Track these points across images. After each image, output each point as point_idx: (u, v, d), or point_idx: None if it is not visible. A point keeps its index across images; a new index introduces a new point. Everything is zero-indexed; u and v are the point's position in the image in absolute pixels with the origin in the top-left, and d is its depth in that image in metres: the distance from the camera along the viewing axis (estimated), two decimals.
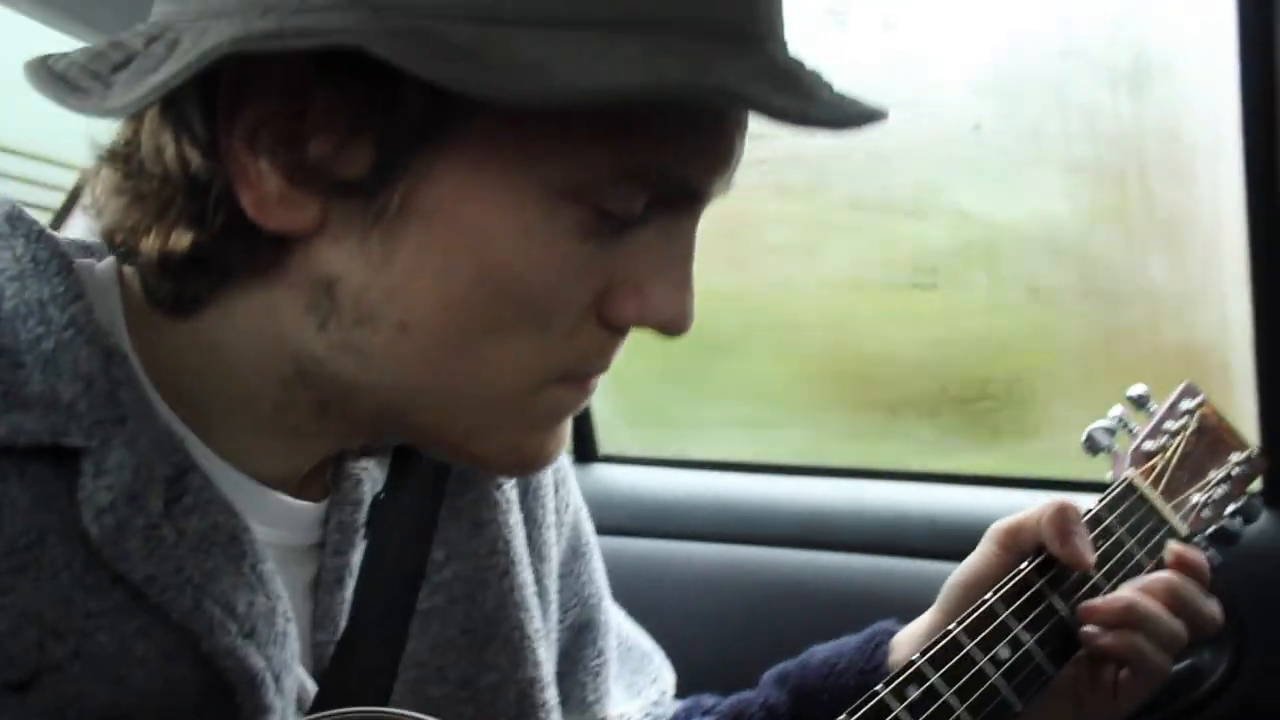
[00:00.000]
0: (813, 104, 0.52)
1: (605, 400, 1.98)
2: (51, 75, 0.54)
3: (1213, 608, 0.81)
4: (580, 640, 0.88)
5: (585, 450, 1.97)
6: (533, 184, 0.53)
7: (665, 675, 0.97)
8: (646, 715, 0.91)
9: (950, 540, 1.55)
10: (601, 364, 0.61)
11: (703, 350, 1.94)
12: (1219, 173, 1.46)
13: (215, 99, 0.52)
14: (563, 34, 0.49)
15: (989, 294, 1.70)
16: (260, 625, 0.58)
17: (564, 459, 0.89)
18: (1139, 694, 0.79)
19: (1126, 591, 0.81)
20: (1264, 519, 1.44)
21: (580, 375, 0.61)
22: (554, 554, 0.85)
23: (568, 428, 0.64)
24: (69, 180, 1.58)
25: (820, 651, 0.90)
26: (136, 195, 0.56)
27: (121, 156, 0.57)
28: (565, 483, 0.88)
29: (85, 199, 0.61)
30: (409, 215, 0.53)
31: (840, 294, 1.80)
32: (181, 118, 0.53)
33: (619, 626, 0.95)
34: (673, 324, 0.59)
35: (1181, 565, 0.82)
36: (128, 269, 0.61)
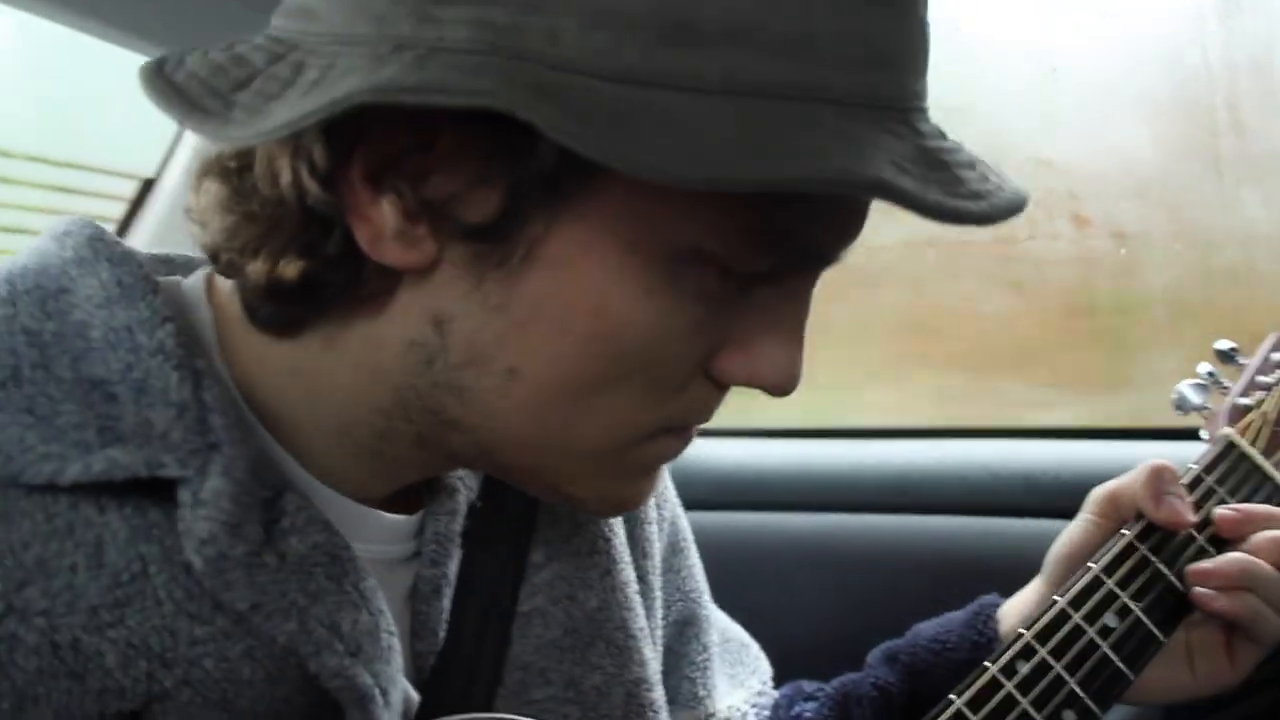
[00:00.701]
0: (962, 195, 0.50)
1: None
2: (170, 88, 0.53)
3: None
4: (684, 635, 0.89)
5: None
6: (660, 244, 0.53)
7: (763, 665, 0.97)
8: (753, 706, 0.91)
9: (1048, 497, 1.53)
10: (704, 417, 0.61)
11: None
12: None
13: (337, 129, 0.51)
14: (707, 101, 0.47)
15: (1073, 243, 1.66)
16: (366, 643, 0.59)
17: None
18: (1254, 656, 0.79)
19: (1236, 553, 0.79)
20: None
21: (677, 425, 0.60)
22: (656, 550, 0.85)
23: (658, 476, 0.65)
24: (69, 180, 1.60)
25: (927, 628, 0.90)
26: (246, 215, 0.56)
27: (233, 172, 0.57)
28: (663, 478, 0.89)
29: (189, 205, 0.61)
30: (530, 264, 0.53)
31: (918, 250, 1.77)
32: (301, 146, 0.53)
33: (718, 618, 0.95)
34: (779, 386, 0.59)
35: None
36: (221, 282, 0.62)
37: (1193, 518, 0.80)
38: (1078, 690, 0.74)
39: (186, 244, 0.64)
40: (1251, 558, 0.78)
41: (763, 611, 1.63)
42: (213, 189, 0.58)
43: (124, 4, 1.16)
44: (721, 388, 0.60)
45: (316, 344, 0.59)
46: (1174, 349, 1.69)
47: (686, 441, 0.62)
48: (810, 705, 0.91)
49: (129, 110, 1.58)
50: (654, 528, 0.85)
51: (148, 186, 1.57)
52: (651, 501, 0.86)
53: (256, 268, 0.56)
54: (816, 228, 0.55)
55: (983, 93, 1.60)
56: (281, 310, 0.58)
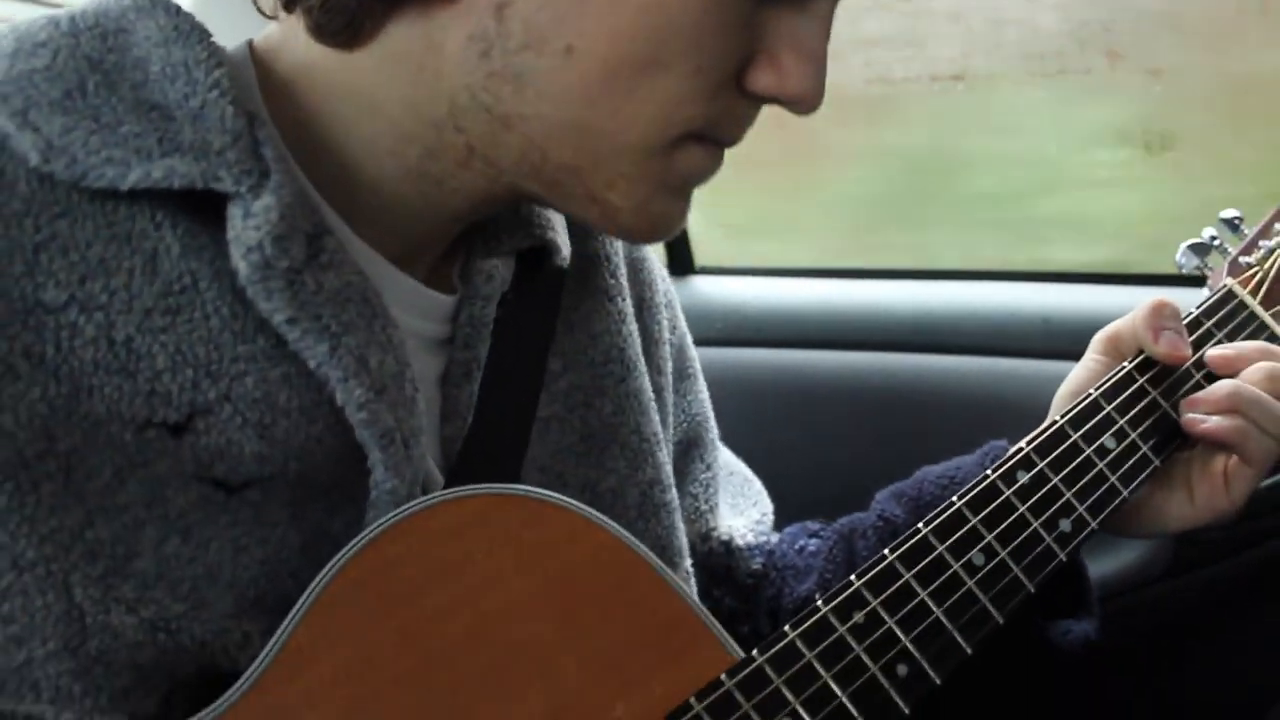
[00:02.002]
0: None
1: (701, 212, 1.99)
2: None
3: None
4: (689, 455, 0.94)
5: (681, 262, 2.00)
6: None
7: (765, 500, 1.02)
8: (750, 532, 0.97)
9: (1064, 339, 1.56)
10: (733, 132, 0.67)
11: (799, 155, 1.94)
12: None
13: None
14: None
15: (1108, 78, 1.66)
16: (390, 385, 0.64)
17: (669, 282, 0.94)
18: (1249, 481, 0.82)
19: (1226, 380, 0.83)
20: None
21: (710, 136, 0.66)
22: (668, 370, 0.91)
23: (689, 201, 0.70)
24: None
25: (934, 469, 0.95)
26: None
27: None
28: (673, 305, 0.95)
29: None
30: None
31: (945, 88, 1.78)
32: None
33: (722, 452, 1.00)
34: (804, 98, 0.65)
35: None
36: (264, 44, 0.68)
37: (1188, 352, 0.85)
38: (1074, 501, 0.79)
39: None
40: (1240, 383, 0.82)
41: (781, 446, 1.70)
42: None
43: None
44: (751, 103, 0.66)
45: (379, 58, 0.63)
46: (1205, 179, 1.69)
47: (715, 162, 0.68)
48: (814, 541, 0.97)
49: None
50: (666, 348, 0.91)
51: None
52: (664, 323, 0.91)
53: None
54: None
55: None
56: (359, 3, 0.61)
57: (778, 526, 1.02)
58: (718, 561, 0.94)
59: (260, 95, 0.66)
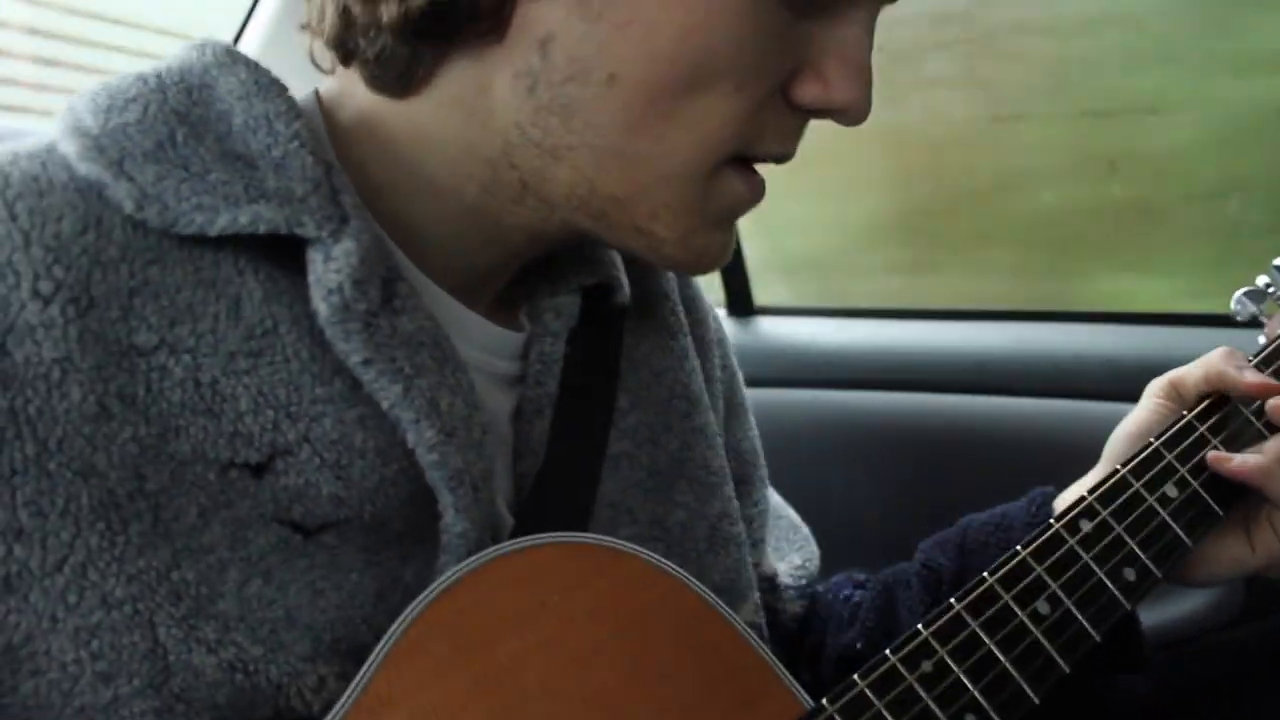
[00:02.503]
0: None
1: (758, 249, 2.02)
2: None
3: None
4: (737, 491, 0.95)
5: (741, 303, 2.02)
6: None
7: (810, 546, 1.03)
8: (792, 575, 0.97)
9: (1126, 380, 1.56)
10: (782, 146, 0.69)
11: (859, 192, 1.96)
12: None
13: None
14: None
15: (1171, 119, 1.66)
16: (460, 428, 0.66)
17: (720, 320, 0.96)
18: None
19: None
20: None
21: (759, 154, 0.68)
22: (720, 406, 0.93)
23: (732, 233, 0.72)
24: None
25: (979, 517, 0.94)
26: None
27: None
28: (724, 344, 0.97)
29: (304, 17, 0.71)
30: None
31: (1006, 126, 1.79)
32: None
33: (771, 495, 1.02)
34: (851, 108, 0.67)
35: None
36: (329, 95, 0.71)
37: (1275, 385, 0.85)
38: (1138, 550, 0.79)
39: None
40: None
41: (839, 486, 1.71)
42: None
43: None
44: (798, 116, 0.68)
45: (434, 101, 0.67)
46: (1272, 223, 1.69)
47: (756, 192, 0.70)
48: (859, 592, 0.97)
49: None
50: (719, 385, 0.93)
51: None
52: (716, 361, 0.93)
53: (390, 8, 0.63)
54: None
55: None
56: (410, 54, 0.65)
57: (835, 565, 1.02)
58: (762, 598, 0.95)
59: (332, 147, 0.69)
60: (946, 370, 1.76)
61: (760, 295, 2.03)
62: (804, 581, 0.98)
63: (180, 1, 1.66)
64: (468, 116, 0.66)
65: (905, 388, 1.78)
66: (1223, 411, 0.86)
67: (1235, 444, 0.85)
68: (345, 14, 0.66)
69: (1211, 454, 0.83)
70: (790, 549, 1.00)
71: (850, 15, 0.66)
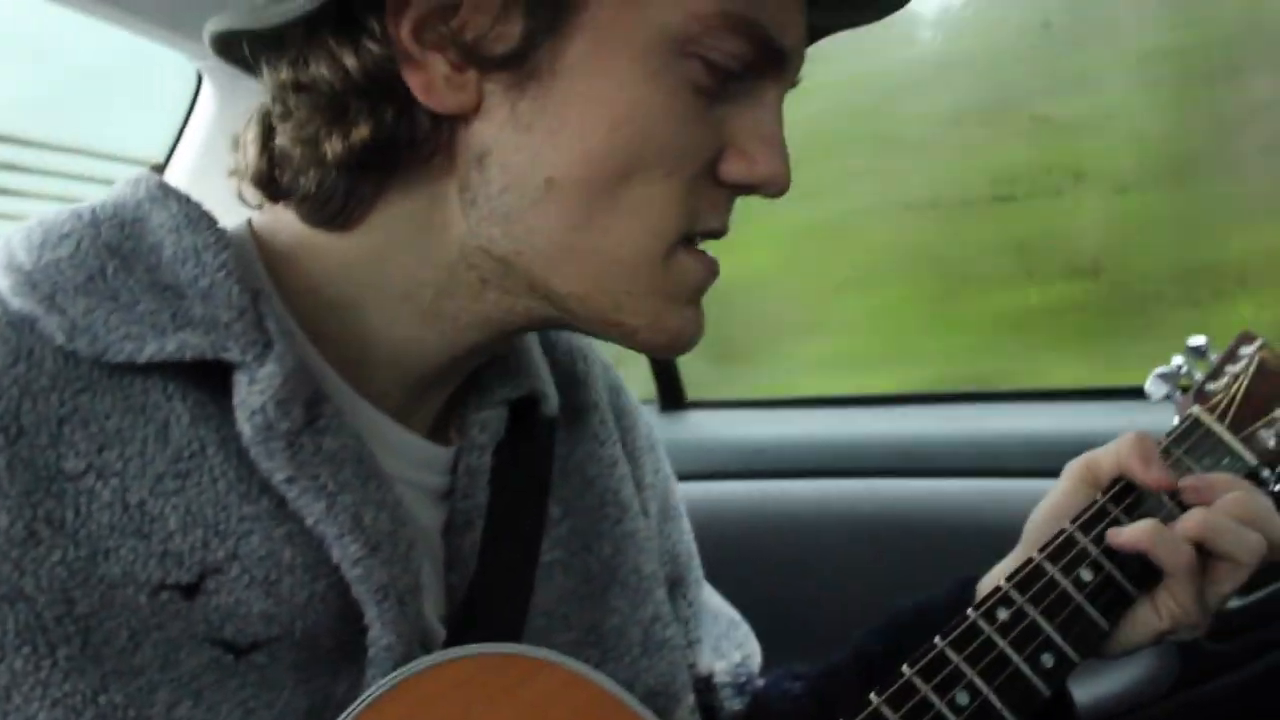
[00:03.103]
0: None
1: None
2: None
3: None
4: (672, 593, 0.96)
5: (673, 397, 2.04)
6: (654, 36, 0.65)
7: (750, 643, 1.03)
8: (730, 674, 0.98)
9: (1050, 458, 1.59)
10: (715, 224, 0.72)
11: (786, 284, 2.00)
12: None
13: (384, 6, 0.65)
14: None
15: (1074, 199, 1.72)
16: (384, 542, 0.66)
17: (653, 425, 0.98)
18: (1219, 600, 0.84)
19: (1198, 510, 0.86)
20: None
21: (701, 232, 0.71)
22: (653, 511, 0.94)
23: (701, 311, 0.74)
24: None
25: (907, 604, 0.96)
26: (313, 107, 0.67)
27: (289, 87, 0.68)
28: (655, 449, 0.98)
29: (233, 165, 0.74)
30: (554, 77, 0.65)
31: (920, 214, 1.84)
32: (357, 23, 0.65)
33: (709, 595, 1.02)
34: (773, 181, 0.71)
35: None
36: (261, 225, 0.73)
37: (1175, 481, 0.88)
38: (1055, 636, 0.81)
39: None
40: (1209, 511, 0.85)
41: (776, 575, 1.72)
42: (267, 122, 0.71)
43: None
44: (728, 192, 0.71)
45: (378, 222, 0.70)
46: (1183, 299, 1.74)
47: (711, 269, 0.73)
48: (797, 684, 0.98)
49: (137, 96, 1.67)
50: (650, 492, 0.94)
51: (156, 173, 1.64)
52: (648, 467, 0.95)
53: (333, 145, 0.66)
54: (775, 22, 0.68)
55: (974, 47, 1.65)
56: (352, 187, 0.68)
57: (776, 656, 1.03)
58: (698, 699, 0.95)
59: (264, 269, 0.71)
60: (875, 455, 1.79)
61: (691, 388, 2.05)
62: (744, 679, 0.99)
63: (113, 124, 1.68)
64: (421, 229, 0.69)
65: (836, 474, 1.81)
66: (1136, 493, 0.89)
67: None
68: (279, 156, 0.69)
69: (1160, 547, 0.85)
70: (730, 646, 1.01)
71: (761, 97, 0.70)
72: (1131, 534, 0.84)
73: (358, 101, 0.66)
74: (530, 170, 0.66)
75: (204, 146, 1.60)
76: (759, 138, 0.70)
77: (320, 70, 0.66)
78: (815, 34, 0.77)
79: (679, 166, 0.68)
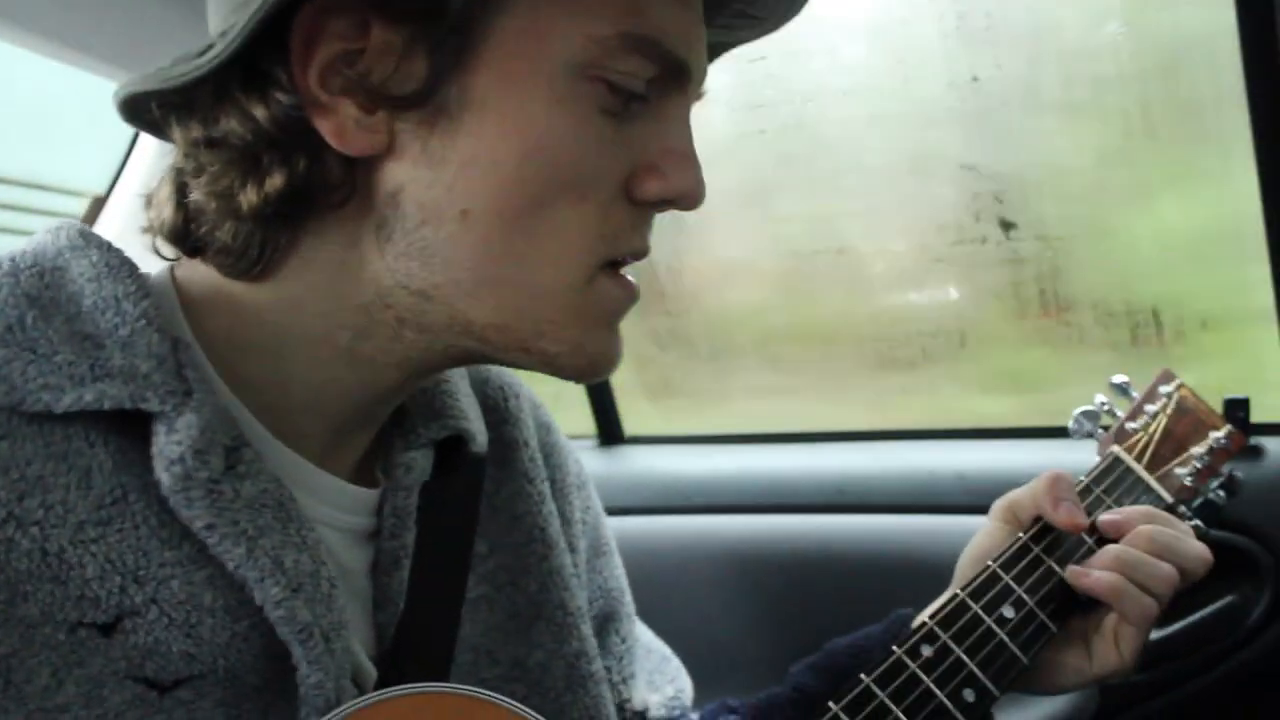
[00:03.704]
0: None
1: (626, 379, 2.07)
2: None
3: (1198, 549, 0.92)
4: (605, 629, 0.99)
5: (611, 433, 2.07)
6: (556, 63, 0.67)
7: (682, 678, 1.06)
8: (664, 708, 1.01)
9: (980, 494, 1.64)
10: (636, 244, 0.73)
11: (721, 324, 2.03)
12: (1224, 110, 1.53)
13: (286, 50, 0.66)
14: None
15: (1000, 247, 1.77)
16: (306, 583, 0.68)
17: (591, 460, 1.00)
18: (1135, 638, 0.90)
19: (1113, 545, 0.91)
20: None
21: (621, 254, 0.72)
22: (582, 548, 0.97)
23: (619, 335, 0.76)
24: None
25: (842, 641, 1.00)
26: (226, 162, 0.68)
27: (201, 144, 0.69)
28: (585, 487, 1.01)
29: (146, 220, 0.75)
30: (463, 111, 0.67)
31: (853, 259, 1.88)
32: (264, 75, 0.67)
33: (641, 631, 1.05)
34: (688, 196, 0.73)
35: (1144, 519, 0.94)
36: (181, 273, 0.74)
37: (1085, 520, 0.92)
38: (976, 671, 0.84)
39: (137, 258, 0.75)
40: (1124, 546, 0.91)
41: (707, 611, 1.74)
42: (179, 179, 0.72)
43: (78, 25, 1.25)
44: (644, 210, 0.73)
45: (295, 267, 0.71)
46: (1102, 346, 1.80)
47: (630, 293, 0.74)
48: (733, 716, 1.01)
49: (80, 128, 1.67)
50: (579, 528, 0.97)
51: (99, 205, 1.66)
52: (577, 504, 0.97)
53: (247, 196, 0.68)
54: (673, 37, 0.70)
55: (905, 101, 1.70)
56: (269, 236, 0.69)
57: (712, 690, 1.06)
58: None
59: (184, 318, 0.72)
60: (808, 491, 1.83)
61: (629, 424, 2.08)
62: (677, 713, 1.01)
63: (50, 154, 1.68)
64: (335, 274, 0.70)
65: (771, 510, 1.84)
66: (1055, 532, 0.93)
67: (1068, 560, 0.93)
68: (194, 211, 0.71)
69: (1071, 569, 0.91)
70: (663, 680, 1.03)
71: (669, 113, 0.72)
72: (1096, 581, 0.89)
73: (270, 152, 0.67)
74: (446, 204, 0.67)
75: (146, 178, 1.60)
76: (670, 152, 0.72)
77: (231, 124, 0.67)
78: (716, 50, 0.81)
79: (592, 190, 0.69)
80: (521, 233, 0.68)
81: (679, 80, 0.72)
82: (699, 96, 0.76)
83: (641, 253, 0.74)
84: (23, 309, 0.66)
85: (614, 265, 0.73)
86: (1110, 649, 0.91)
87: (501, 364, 0.76)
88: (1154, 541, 0.91)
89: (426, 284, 0.69)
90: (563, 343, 0.71)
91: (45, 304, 0.67)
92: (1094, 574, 0.90)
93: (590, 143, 0.68)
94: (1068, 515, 0.92)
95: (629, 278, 0.74)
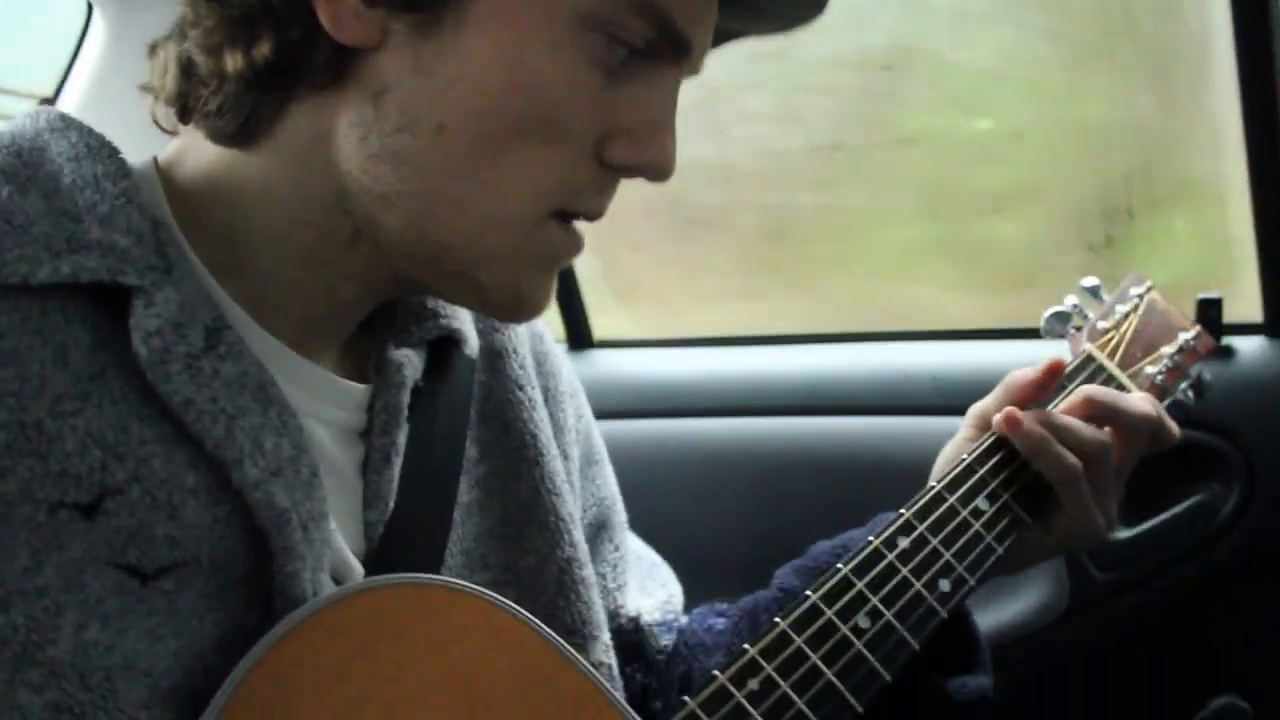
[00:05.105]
0: None
1: (596, 283, 2.06)
2: None
3: (1139, 407, 0.95)
4: (599, 537, 0.99)
5: (580, 337, 2.06)
6: (565, 7, 0.67)
7: (673, 583, 1.07)
8: (658, 611, 1.01)
9: (954, 395, 1.64)
10: (596, 203, 0.73)
11: (689, 224, 2.01)
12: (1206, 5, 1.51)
13: None
14: None
15: (974, 145, 1.76)
16: (285, 468, 0.67)
17: (574, 372, 0.99)
18: (1074, 502, 0.92)
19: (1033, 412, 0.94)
20: (1267, 350, 1.55)
21: (576, 209, 0.72)
22: (575, 456, 0.96)
23: (554, 282, 0.76)
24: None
25: (825, 544, 1.01)
26: (223, 19, 0.68)
27: None
28: (577, 395, 1.00)
29: (147, 79, 0.74)
30: (460, 28, 0.66)
31: (823, 156, 1.86)
32: None
33: (630, 538, 1.06)
34: (657, 167, 0.72)
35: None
36: (164, 153, 0.73)
37: (1021, 420, 0.93)
38: (952, 561, 0.85)
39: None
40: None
41: (684, 513, 1.75)
42: (182, 31, 0.71)
43: None
44: (610, 174, 0.73)
45: (273, 147, 0.70)
46: (1077, 244, 1.79)
47: (576, 243, 0.74)
48: (721, 620, 1.02)
49: (26, 28, 1.63)
50: (572, 435, 0.96)
51: (45, 105, 1.61)
52: (570, 412, 0.97)
53: (234, 59, 0.67)
54: (683, 10, 0.69)
55: None
56: (251, 103, 0.69)
57: (688, 592, 1.06)
58: (627, 639, 0.98)
59: (166, 203, 0.71)
60: (781, 394, 1.83)
61: (599, 327, 2.07)
62: (671, 616, 1.02)
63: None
64: (306, 164, 0.70)
65: (743, 413, 1.84)
66: None
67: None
68: (189, 68, 0.70)
69: (1007, 410, 0.93)
70: (654, 585, 1.04)
71: (658, 81, 0.72)
72: (1023, 436, 0.92)
73: (265, 18, 0.67)
74: (425, 113, 0.67)
75: (93, 79, 1.57)
76: (649, 122, 0.71)
77: None
78: (722, 37, 0.78)
79: (565, 138, 0.69)
80: (489, 159, 0.68)
81: (676, 53, 0.71)
82: (693, 73, 0.75)
83: (595, 214, 0.74)
84: None
85: (566, 217, 0.73)
86: (1062, 517, 0.93)
87: (437, 294, 0.76)
88: (1089, 400, 0.94)
89: (390, 190, 0.68)
90: (496, 277, 0.72)
91: (22, 181, 0.65)
92: (1024, 425, 0.92)
93: (576, 93, 0.68)
94: (1002, 419, 0.94)
95: (578, 231, 0.74)
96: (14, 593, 0.58)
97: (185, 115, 0.72)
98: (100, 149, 0.69)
